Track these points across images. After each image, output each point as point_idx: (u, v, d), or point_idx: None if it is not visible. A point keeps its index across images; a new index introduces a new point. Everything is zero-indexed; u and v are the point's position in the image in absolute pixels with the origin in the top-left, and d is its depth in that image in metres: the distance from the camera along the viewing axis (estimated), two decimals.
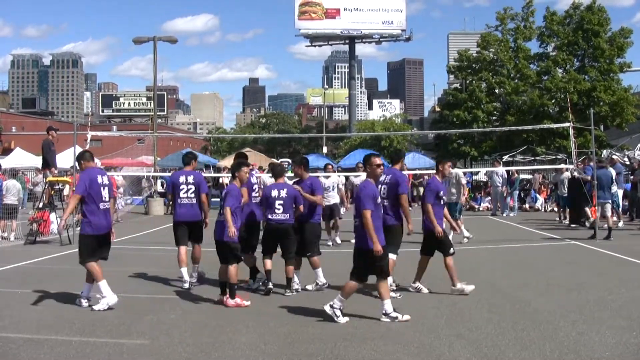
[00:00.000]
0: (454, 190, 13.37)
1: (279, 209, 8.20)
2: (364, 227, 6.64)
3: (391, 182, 8.07)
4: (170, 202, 14.15)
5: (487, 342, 5.88)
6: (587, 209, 16.07)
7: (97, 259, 7.56)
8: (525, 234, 15.97)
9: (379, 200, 6.90)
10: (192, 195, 8.89)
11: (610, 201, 14.33)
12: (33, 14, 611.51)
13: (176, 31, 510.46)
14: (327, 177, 13.48)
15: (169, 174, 13.43)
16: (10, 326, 6.58)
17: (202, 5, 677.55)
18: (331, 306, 6.68)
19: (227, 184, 19.95)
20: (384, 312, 6.69)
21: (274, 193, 8.29)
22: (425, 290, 8.29)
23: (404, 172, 9.15)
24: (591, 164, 15.54)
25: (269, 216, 8.32)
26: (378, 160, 7.09)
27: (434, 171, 9.25)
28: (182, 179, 8.98)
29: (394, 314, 6.66)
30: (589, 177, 15.66)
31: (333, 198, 13.32)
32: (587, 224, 16.08)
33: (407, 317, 6.71)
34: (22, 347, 5.79)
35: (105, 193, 7.56)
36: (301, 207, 8.33)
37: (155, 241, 14.36)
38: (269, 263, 8.38)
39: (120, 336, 6.17)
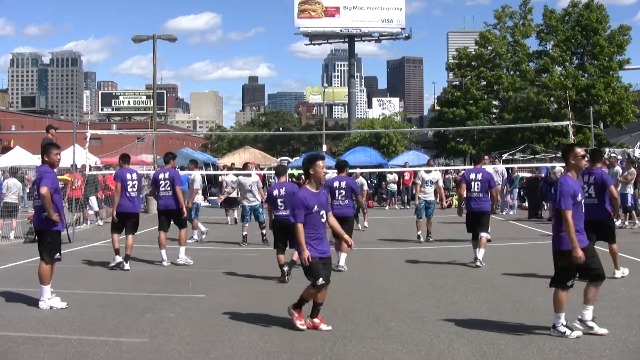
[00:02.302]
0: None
1: (281, 206, 9.13)
2: (565, 229, 5.90)
3: (596, 182, 8.67)
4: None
5: (486, 340, 5.88)
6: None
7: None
8: (525, 232, 16.00)
9: (579, 197, 6.06)
10: (169, 188, 10.69)
11: None
12: (35, 13, 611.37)
13: (178, 29, 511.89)
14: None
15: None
16: (10, 325, 6.58)
17: (204, 3, 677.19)
18: (554, 327, 6.00)
19: (228, 182, 19.66)
20: (579, 316, 6.06)
21: (275, 192, 9.30)
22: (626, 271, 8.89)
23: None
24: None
25: (275, 213, 9.21)
26: (582, 151, 6.19)
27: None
28: (160, 175, 10.87)
29: (590, 323, 5.99)
30: (543, 175, 19.20)
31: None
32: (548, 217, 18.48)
33: (604, 330, 5.98)
34: (22, 346, 5.78)
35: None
36: None
37: (154, 239, 14.33)
38: (282, 258, 9.02)
39: (119, 335, 6.17)
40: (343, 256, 9.89)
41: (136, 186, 10.53)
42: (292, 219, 6.29)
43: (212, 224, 18.24)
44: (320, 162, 6.33)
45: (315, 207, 6.25)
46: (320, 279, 6.17)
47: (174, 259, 10.69)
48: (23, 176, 23.64)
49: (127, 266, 10.09)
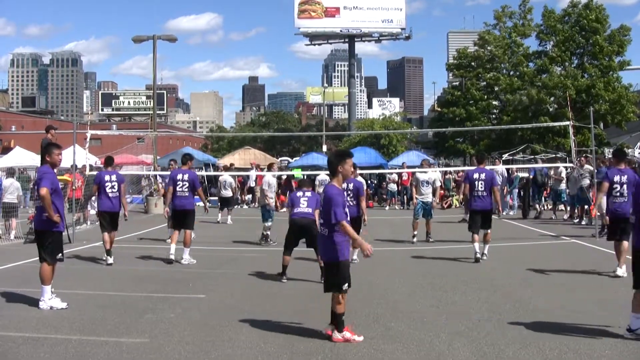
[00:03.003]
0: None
1: (303, 204, 9.12)
2: None
3: (629, 181, 8.88)
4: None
5: (486, 340, 5.88)
6: (537, 205, 20.07)
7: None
8: (525, 232, 16.00)
9: None
10: (186, 189, 10.98)
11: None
12: (35, 13, 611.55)
13: (179, 30, 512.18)
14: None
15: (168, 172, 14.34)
16: (10, 325, 6.58)
17: (205, 3, 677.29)
18: (629, 330, 5.87)
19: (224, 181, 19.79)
20: (628, 327, 5.92)
21: (299, 193, 9.36)
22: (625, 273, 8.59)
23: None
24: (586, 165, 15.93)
25: (294, 211, 9.10)
26: None
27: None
28: (179, 176, 11.08)
29: None
30: (531, 177, 20.13)
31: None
32: (533, 216, 19.56)
33: None
34: (22, 346, 5.78)
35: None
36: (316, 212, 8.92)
37: (154, 240, 14.36)
38: (287, 259, 9.00)
39: (119, 335, 6.17)
40: (355, 251, 10.05)
41: (115, 187, 10.97)
42: (334, 218, 5.80)
43: (212, 224, 18.26)
44: (349, 160, 6.10)
45: (346, 207, 6.00)
46: (347, 284, 5.94)
47: (178, 260, 10.75)
48: (29, 177, 23.59)
49: (110, 260, 10.56)
